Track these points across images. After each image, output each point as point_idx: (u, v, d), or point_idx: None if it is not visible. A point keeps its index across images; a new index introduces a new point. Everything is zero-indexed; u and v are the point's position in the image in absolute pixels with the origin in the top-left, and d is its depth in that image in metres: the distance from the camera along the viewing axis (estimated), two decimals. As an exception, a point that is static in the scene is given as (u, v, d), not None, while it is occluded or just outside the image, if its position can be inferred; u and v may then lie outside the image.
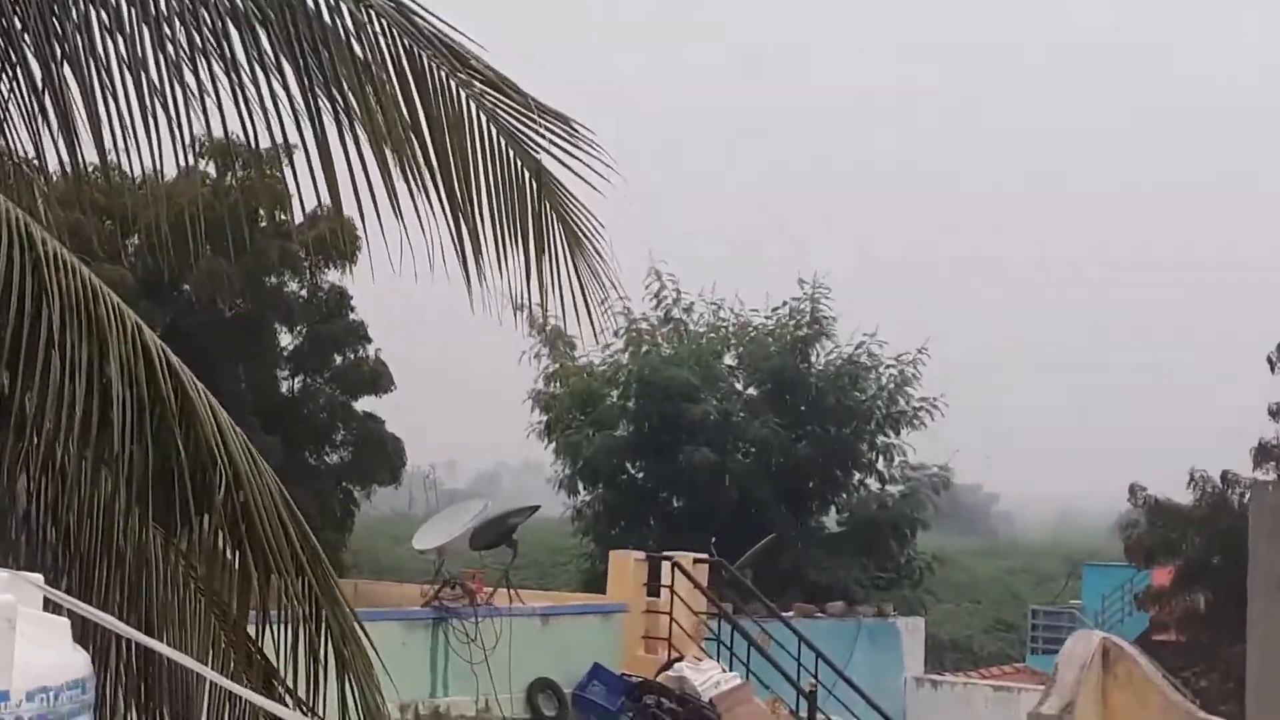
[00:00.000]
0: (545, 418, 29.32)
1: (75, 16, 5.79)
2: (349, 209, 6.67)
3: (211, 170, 21.09)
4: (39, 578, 3.89)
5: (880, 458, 29.50)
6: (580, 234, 7.61)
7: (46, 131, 6.16)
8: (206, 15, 6.12)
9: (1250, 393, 29.29)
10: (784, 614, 21.64)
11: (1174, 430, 33.97)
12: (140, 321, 7.04)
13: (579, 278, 7.61)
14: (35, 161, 6.76)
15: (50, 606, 3.87)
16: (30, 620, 3.56)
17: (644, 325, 29.10)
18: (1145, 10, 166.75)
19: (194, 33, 6.12)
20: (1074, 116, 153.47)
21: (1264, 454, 28.76)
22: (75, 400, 6.62)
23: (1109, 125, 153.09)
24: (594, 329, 7.94)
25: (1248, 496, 25.78)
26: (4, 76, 5.97)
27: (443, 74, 6.94)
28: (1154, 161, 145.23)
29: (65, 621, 3.87)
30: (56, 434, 6.81)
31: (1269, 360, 28.86)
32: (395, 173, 6.70)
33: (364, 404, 25.82)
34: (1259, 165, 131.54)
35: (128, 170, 6.61)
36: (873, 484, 29.81)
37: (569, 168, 7.39)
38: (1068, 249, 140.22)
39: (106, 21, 5.90)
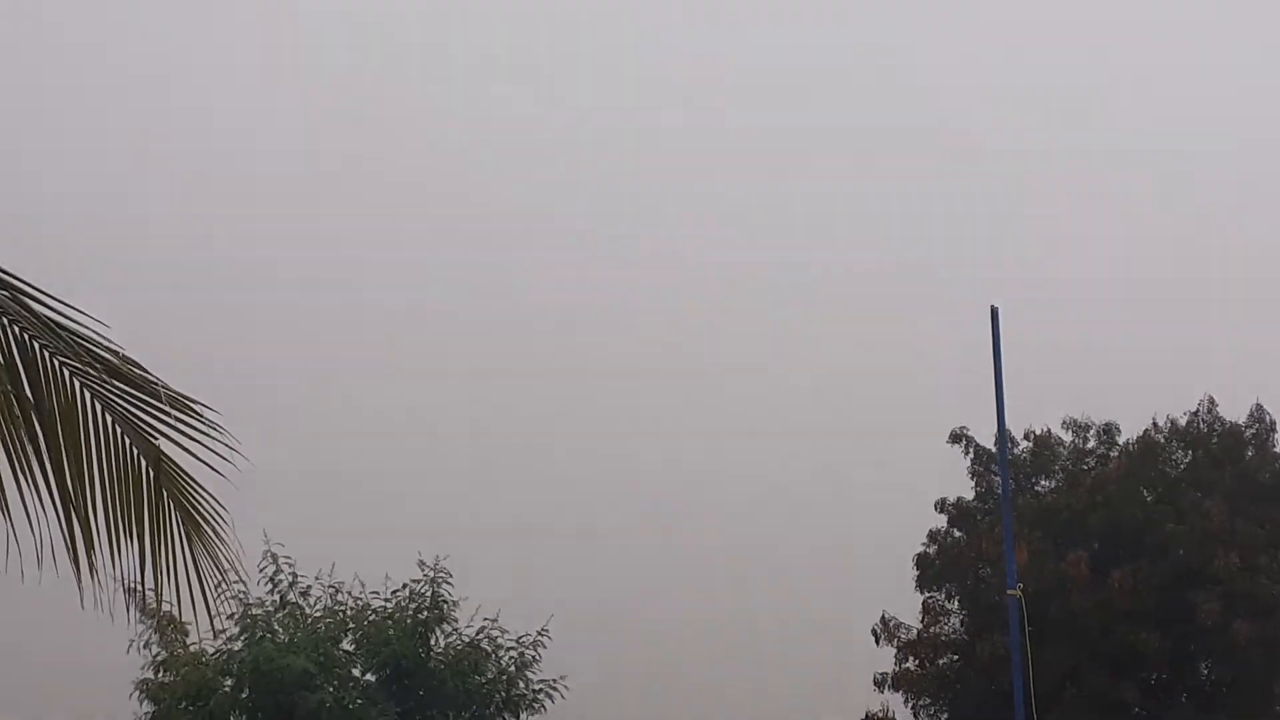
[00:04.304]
0: (152, 709, 28.15)
1: None
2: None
3: None
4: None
5: (500, 743, 29.22)
6: (200, 519, 7.46)
7: None
8: None
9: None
10: None
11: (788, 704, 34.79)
12: None
13: (196, 564, 7.45)
14: None
15: None
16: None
17: (258, 611, 28.37)
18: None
19: None
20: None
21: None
22: None
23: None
24: (209, 616, 7.75)
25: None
26: None
27: (56, 362, 6.78)
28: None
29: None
30: None
31: (873, 633, 29.93)
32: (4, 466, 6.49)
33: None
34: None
35: None
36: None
37: (190, 452, 7.27)
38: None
39: None
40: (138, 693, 28.27)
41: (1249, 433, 29.81)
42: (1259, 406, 29.91)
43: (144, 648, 28.01)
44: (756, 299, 44.53)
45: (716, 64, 47.22)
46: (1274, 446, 29.80)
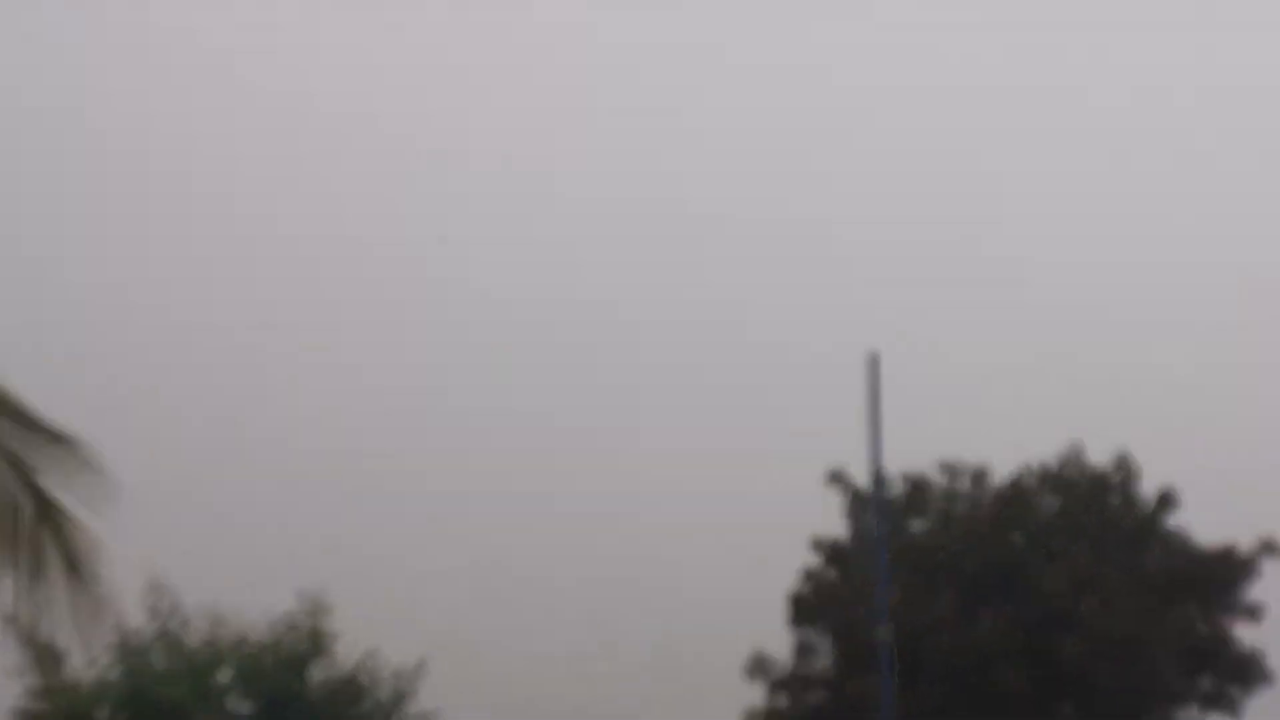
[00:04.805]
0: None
1: None
2: None
3: None
4: None
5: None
6: (76, 557, 7.55)
7: None
8: None
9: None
10: None
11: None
12: None
13: (74, 595, 7.56)
14: None
15: None
16: None
17: (136, 640, 28.21)
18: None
19: None
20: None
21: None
22: None
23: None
24: (88, 648, 7.86)
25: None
26: None
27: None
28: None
29: None
30: None
31: (744, 669, 30.30)
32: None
33: None
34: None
35: None
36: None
37: (72, 489, 7.42)
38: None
39: None
40: (12, 721, 28.06)
41: (1115, 480, 30.53)
42: (1122, 455, 30.64)
43: (19, 676, 27.79)
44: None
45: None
46: (1137, 493, 30.55)
